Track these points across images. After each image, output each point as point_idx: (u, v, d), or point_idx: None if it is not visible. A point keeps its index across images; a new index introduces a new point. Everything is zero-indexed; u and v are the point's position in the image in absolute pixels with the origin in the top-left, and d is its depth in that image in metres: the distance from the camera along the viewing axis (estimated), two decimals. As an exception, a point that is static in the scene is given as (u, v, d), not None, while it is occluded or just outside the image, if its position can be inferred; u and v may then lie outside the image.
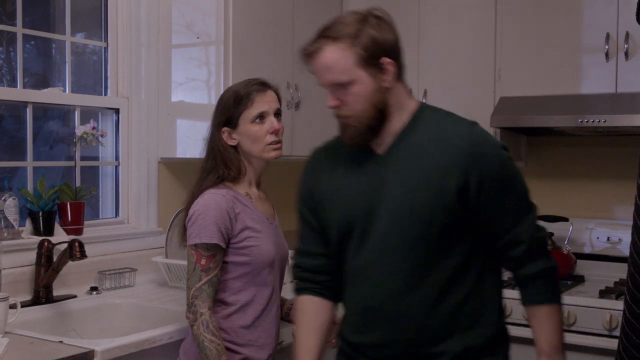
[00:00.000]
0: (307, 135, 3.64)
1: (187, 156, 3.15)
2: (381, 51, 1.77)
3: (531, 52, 3.42)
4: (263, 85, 2.25)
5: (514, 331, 3.04)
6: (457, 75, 3.60)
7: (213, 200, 2.12)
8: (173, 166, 3.29)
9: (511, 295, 3.09)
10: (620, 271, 3.40)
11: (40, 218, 2.73)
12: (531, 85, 3.40)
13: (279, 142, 2.27)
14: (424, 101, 3.67)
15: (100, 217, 3.20)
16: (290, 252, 2.23)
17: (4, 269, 2.50)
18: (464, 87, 3.58)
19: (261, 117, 2.22)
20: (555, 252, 3.40)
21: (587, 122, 3.13)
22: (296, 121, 3.55)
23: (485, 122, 3.41)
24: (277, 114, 2.26)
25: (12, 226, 2.65)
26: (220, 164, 2.20)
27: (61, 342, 2.09)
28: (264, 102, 2.22)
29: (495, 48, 3.50)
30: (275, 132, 2.25)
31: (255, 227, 2.19)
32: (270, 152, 2.25)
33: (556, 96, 3.33)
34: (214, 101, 3.14)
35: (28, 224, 2.75)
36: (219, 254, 2.10)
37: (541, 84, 3.38)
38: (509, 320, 3.05)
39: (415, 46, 3.70)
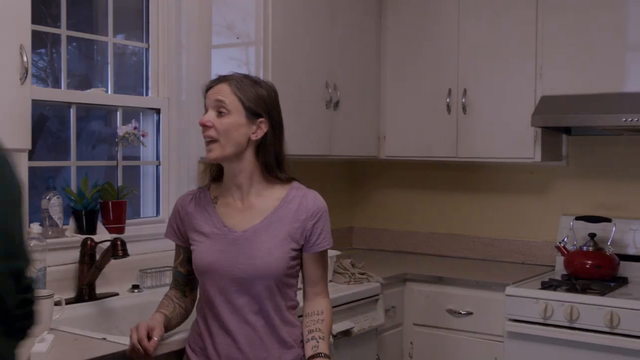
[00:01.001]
0: (345, 134, 3.64)
1: (227, 156, 3.17)
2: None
3: (573, 50, 3.37)
4: (215, 80, 2.06)
5: (555, 333, 3.03)
6: (497, 74, 3.57)
7: (179, 198, 2.24)
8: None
9: (552, 297, 3.07)
10: (664, 273, 3.34)
11: (84, 217, 2.78)
12: (573, 84, 3.36)
13: (210, 140, 2.02)
14: (463, 100, 3.64)
15: (141, 216, 3.24)
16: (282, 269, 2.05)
17: (49, 266, 2.54)
18: (505, 86, 3.55)
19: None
20: (598, 254, 3.35)
21: (631, 120, 3.07)
22: (335, 121, 3.55)
23: (526, 121, 3.39)
24: (220, 109, 2.01)
25: (57, 225, 2.69)
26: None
27: (104, 339, 2.12)
28: (208, 98, 2.05)
29: (537, 46, 3.45)
30: (203, 128, 2.03)
31: (203, 231, 2.10)
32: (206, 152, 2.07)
33: (599, 94, 3.27)
34: (254, 101, 3.17)
35: (72, 222, 2.80)
36: (178, 248, 2.22)
37: (583, 82, 3.33)
38: (549, 321, 3.03)
39: (454, 44, 3.68)
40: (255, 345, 2.05)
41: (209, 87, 2.06)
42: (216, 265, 2.05)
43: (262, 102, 2.04)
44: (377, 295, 3.15)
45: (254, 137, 2.03)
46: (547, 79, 3.43)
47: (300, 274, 2.17)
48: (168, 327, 2.12)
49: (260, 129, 2.04)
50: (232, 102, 2.01)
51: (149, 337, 2.00)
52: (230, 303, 2.05)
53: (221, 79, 2.06)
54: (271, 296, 2.06)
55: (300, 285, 2.18)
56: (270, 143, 2.06)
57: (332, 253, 3.17)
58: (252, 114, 2.02)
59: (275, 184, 2.11)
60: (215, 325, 2.07)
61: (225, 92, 2.02)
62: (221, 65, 3.21)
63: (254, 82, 2.07)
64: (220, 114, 2.01)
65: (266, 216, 2.08)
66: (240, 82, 2.04)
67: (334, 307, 2.83)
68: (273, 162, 2.08)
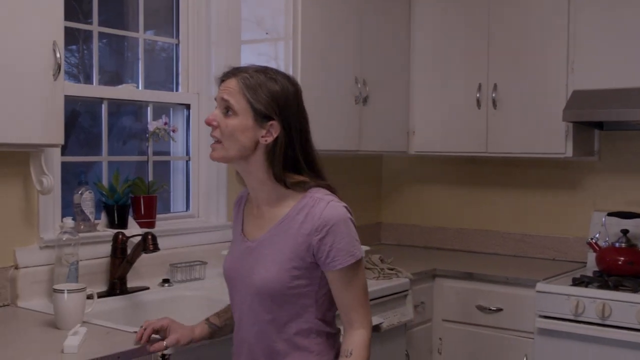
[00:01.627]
0: (375, 130, 3.64)
1: (256, 151, 3.18)
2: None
3: (605, 43, 3.32)
4: (227, 73, 1.86)
5: (586, 330, 3.00)
6: (528, 68, 3.54)
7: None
8: (242, 161, 3.32)
9: (583, 294, 3.04)
10: (699, 270, 3.29)
11: (115, 211, 2.81)
12: (605, 78, 3.31)
13: (215, 140, 1.84)
14: (493, 95, 3.61)
15: (171, 211, 3.26)
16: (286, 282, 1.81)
17: (81, 260, 2.57)
18: (535, 81, 3.51)
19: None
20: (630, 250, 3.31)
21: (665, 115, 3.03)
22: (364, 116, 3.55)
23: (557, 116, 3.35)
24: (226, 107, 1.82)
25: (89, 219, 2.72)
26: None
27: (136, 332, 2.14)
28: (217, 93, 1.87)
29: (568, 39, 3.41)
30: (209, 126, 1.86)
31: (234, 235, 2.01)
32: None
33: (631, 89, 3.22)
34: (283, 96, 3.17)
35: (103, 217, 2.83)
36: None
37: (616, 76, 3.29)
38: (581, 318, 3.01)
39: (485, 39, 3.65)
40: None
41: (221, 80, 1.85)
42: (230, 272, 1.95)
43: (274, 103, 1.79)
44: (406, 290, 3.14)
45: (263, 141, 1.79)
46: (578, 73, 3.39)
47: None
48: (216, 333, 2.07)
49: (271, 133, 1.79)
50: (238, 102, 1.79)
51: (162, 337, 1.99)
52: (239, 316, 1.92)
53: (232, 73, 1.83)
54: (273, 317, 1.84)
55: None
56: (281, 147, 1.80)
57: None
58: (262, 117, 1.78)
59: (291, 190, 1.84)
60: (235, 337, 1.97)
61: (232, 91, 1.80)
62: (250, 61, 3.20)
63: (270, 78, 1.81)
64: (226, 113, 1.81)
65: (270, 228, 1.86)
66: (251, 78, 1.79)
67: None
68: (280, 167, 1.81)
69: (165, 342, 1.98)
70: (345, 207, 1.82)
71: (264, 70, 1.84)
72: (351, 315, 1.83)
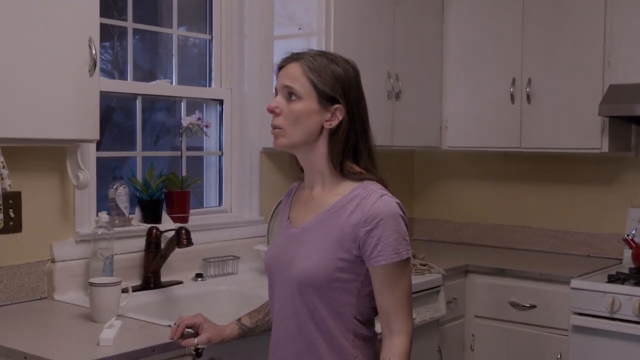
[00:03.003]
0: (407, 125, 3.62)
1: (289, 146, 3.18)
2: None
3: (643, 37, 3.27)
4: (287, 59, 1.81)
5: (622, 328, 2.96)
6: (563, 62, 3.49)
7: None
8: (275, 156, 3.34)
9: (620, 291, 3.00)
10: None
11: (149, 206, 2.83)
12: (643, 72, 3.26)
13: (274, 126, 1.79)
14: (527, 90, 3.57)
15: (205, 206, 3.29)
16: (321, 272, 1.74)
17: (116, 254, 2.60)
18: (571, 75, 3.47)
19: None
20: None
21: None
22: (396, 111, 3.53)
23: (593, 111, 3.30)
24: (289, 92, 1.77)
25: (123, 214, 2.75)
26: None
27: (169, 326, 2.15)
28: (278, 81, 1.82)
29: (605, 33, 3.36)
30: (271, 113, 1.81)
31: (280, 227, 1.96)
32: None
33: (670, 83, 3.17)
34: (315, 92, 3.17)
35: (137, 211, 2.86)
36: None
37: (654, 70, 3.24)
38: (617, 315, 2.96)
39: (519, 33, 3.61)
40: None
41: (280, 67, 1.80)
42: (270, 261, 1.88)
43: (338, 85, 1.75)
44: (439, 286, 3.13)
45: (327, 126, 1.75)
46: (615, 67, 3.33)
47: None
48: (246, 335, 2.03)
49: (336, 116, 1.75)
50: (302, 86, 1.74)
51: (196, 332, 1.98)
52: (280, 308, 1.85)
53: (293, 57, 1.78)
54: (311, 310, 1.76)
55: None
56: (344, 132, 1.76)
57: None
58: (327, 99, 1.74)
59: (347, 179, 1.79)
60: (274, 328, 1.90)
61: (295, 74, 1.75)
62: (282, 57, 3.22)
63: (331, 60, 1.77)
64: (290, 98, 1.76)
65: (318, 215, 1.80)
66: (314, 60, 1.75)
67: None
68: (339, 154, 1.76)
69: (196, 340, 1.96)
70: (398, 203, 1.76)
71: (324, 54, 1.80)
72: (391, 319, 1.74)
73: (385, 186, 1.81)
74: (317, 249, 1.76)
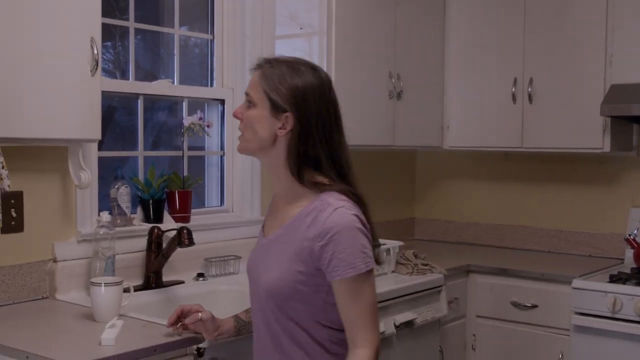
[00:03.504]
0: (409, 125, 3.62)
1: (290, 146, 3.18)
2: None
3: (645, 37, 3.27)
4: (255, 66, 1.85)
5: (624, 328, 2.96)
6: (565, 62, 3.49)
7: None
8: (276, 156, 3.33)
9: (621, 291, 3.00)
10: None
11: (151, 206, 2.83)
12: (645, 72, 3.26)
13: (241, 133, 1.85)
14: (529, 90, 3.57)
15: (206, 205, 3.29)
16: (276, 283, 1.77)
17: (118, 254, 2.60)
18: (572, 75, 3.47)
19: None
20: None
21: None
22: (398, 111, 3.53)
23: (595, 111, 3.30)
24: (248, 99, 1.82)
25: (125, 213, 2.75)
26: None
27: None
28: None
29: (607, 32, 3.36)
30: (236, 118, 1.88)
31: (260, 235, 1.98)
32: None
33: (672, 83, 3.17)
34: (317, 91, 3.17)
35: (139, 211, 2.86)
36: None
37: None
38: (618, 315, 2.96)
39: (521, 32, 3.61)
40: None
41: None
42: (248, 267, 1.93)
43: (290, 94, 1.74)
44: (440, 286, 3.13)
45: (280, 134, 1.76)
46: (617, 66, 3.33)
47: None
48: (243, 327, 2.06)
49: (287, 124, 1.76)
50: (257, 94, 1.78)
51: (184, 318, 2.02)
52: (254, 314, 1.90)
53: (259, 65, 1.82)
54: (280, 320, 1.79)
55: None
56: (295, 141, 1.75)
57: (394, 244, 3.16)
58: (277, 108, 1.76)
59: (308, 189, 1.78)
60: (254, 335, 1.94)
61: (253, 82, 1.80)
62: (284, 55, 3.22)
63: (292, 69, 1.78)
64: (248, 105, 1.81)
65: (282, 226, 1.82)
66: (272, 69, 1.78)
67: (396, 298, 2.85)
68: (295, 163, 1.76)
69: (200, 314, 1.99)
70: (356, 215, 1.72)
71: (289, 61, 1.81)
72: (354, 332, 1.72)
73: (352, 196, 1.77)
74: (278, 262, 1.78)
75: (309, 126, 1.76)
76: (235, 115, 1.85)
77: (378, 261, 1.80)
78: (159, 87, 3.03)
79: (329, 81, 1.83)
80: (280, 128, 1.76)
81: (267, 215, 1.96)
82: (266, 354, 1.85)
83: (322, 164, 1.78)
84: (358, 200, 1.78)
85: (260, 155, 1.84)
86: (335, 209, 1.71)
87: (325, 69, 3.08)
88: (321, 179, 1.78)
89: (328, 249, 1.69)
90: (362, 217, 1.75)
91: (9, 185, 2.07)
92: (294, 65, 1.79)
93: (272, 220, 1.90)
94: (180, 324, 2.03)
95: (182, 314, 2.03)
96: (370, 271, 1.73)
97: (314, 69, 1.82)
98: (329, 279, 1.72)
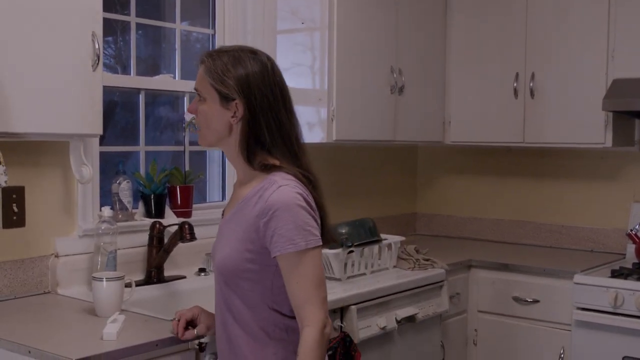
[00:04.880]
0: (411, 120, 3.62)
1: (292, 141, 3.18)
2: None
3: (647, 32, 3.26)
4: (199, 62, 1.89)
5: (625, 323, 2.96)
6: (566, 56, 3.48)
7: None
8: (277, 151, 3.33)
9: (623, 286, 3.00)
10: None
11: (152, 201, 2.83)
12: (647, 66, 3.25)
13: (199, 128, 1.91)
14: (531, 85, 3.57)
15: (207, 200, 3.29)
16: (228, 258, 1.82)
17: (119, 249, 2.61)
18: (574, 69, 3.46)
19: None
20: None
21: None
22: (399, 106, 3.53)
23: (596, 106, 3.30)
24: (198, 94, 1.87)
25: (126, 208, 2.75)
26: None
27: (173, 319, 2.15)
28: None
29: (609, 26, 3.35)
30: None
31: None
32: None
33: (674, 77, 3.16)
34: (319, 86, 3.17)
35: (140, 206, 2.86)
36: None
37: (658, 65, 3.23)
38: (620, 310, 2.96)
39: (522, 27, 3.60)
40: (221, 351, 1.92)
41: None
42: (213, 255, 1.96)
43: (236, 83, 1.79)
44: (442, 281, 3.13)
45: (233, 122, 1.81)
46: (619, 61, 3.32)
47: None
48: None
49: (238, 112, 1.81)
50: (205, 87, 1.84)
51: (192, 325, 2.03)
52: (215, 297, 1.93)
53: (201, 61, 1.87)
54: (227, 301, 1.84)
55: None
56: (245, 126, 1.80)
57: (396, 239, 3.16)
58: (225, 98, 1.81)
59: (259, 171, 1.84)
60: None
61: (200, 77, 1.85)
62: (286, 51, 3.22)
63: (234, 59, 1.82)
64: (199, 100, 1.86)
65: (234, 207, 1.88)
66: (213, 62, 1.83)
67: (397, 293, 2.85)
68: (245, 147, 1.81)
69: (195, 331, 2.01)
70: (300, 193, 1.76)
71: (229, 51, 1.85)
72: (300, 311, 1.75)
73: (301, 177, 1.81)
74: (229, 241, 1.83)
75: (257, 110, 1.81)
76: (190, 112, 1.91)
77: (332, 240, 1.87)
78: (161, 82, 3.02)
79: (272, 64, 1.87)
80: (232, 117, 1.82)
81: (227, 203, 2.01)
82: (220, 337, 1.90)
83: (273, 145, 1.83)
84: (307, 180, 1.83)
85: (221, 145, 1.89)
86: (280, 187, 1.76)
87: (326, 64, 3.12)
88: (272, 161, 1.83)
89: (270, 225, 1.74)
90: (307, 196, 1.79)
91: (5, 182, 2.07)
92: (234, 54, 1.84)
93: (229, 205, 1.96)
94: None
95: (185, 323, 2.03)
96: (314, 249, 1.75)
97: (254, 53, 1.86)
98: (272, 255, 1.76)
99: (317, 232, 1.77)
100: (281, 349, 1.83)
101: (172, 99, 3.17)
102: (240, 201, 1.85)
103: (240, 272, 1.80)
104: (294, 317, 1.81)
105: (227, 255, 1.82)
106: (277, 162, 1.83)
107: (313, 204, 1.80)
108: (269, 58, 1.88)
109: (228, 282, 1.83)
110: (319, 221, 1.80)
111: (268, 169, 1.82)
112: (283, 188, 1.75)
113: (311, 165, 1.88)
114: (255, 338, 1.82)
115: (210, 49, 3.24)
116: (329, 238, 1.83)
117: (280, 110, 1.84)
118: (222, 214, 1.99)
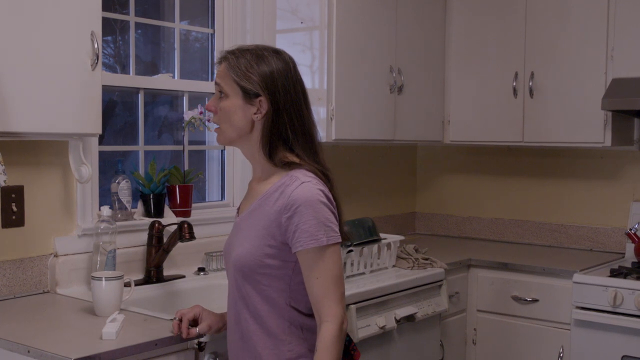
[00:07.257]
0: (410, 119, 3.62)
1: (291, 140, 3.18)
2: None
3: (646, 31, 3.26)
4: (219, 59, 1.91)
5: (624, 322, 2.96)
6: (566, 56, 3.48)
7: None
8: (277, 150, 3.33)
9: (622, 285, 3.00)
10: None
11: (151, 200, 2.83)
12: (646, 66, 3.25)
13: (218, 125, 1.91)
14: (530, 84, 3.57)
15: (207, 200, 3.29)
16: (247, 257, 1.83)
17: (118, 248, 2.61)
18: (573, 69, 3.46)
19: None
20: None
21: None
22: (399, 105, 3.53)
23: (596, 105, 3.30)
24: (219, 91, 1.88)
25: (125, 208, 2.75)
26: None
27: (173, 319, 2.15)
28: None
29: (608, 26, 3.35)
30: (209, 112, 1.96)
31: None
32: None
33: (673, 77, 3.16)
34: (318, 86, 3.18)
35: (140, 206, 2.86)
36: None
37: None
38: (619, 309, 2.97)
39: (522, 26, 3.60)
40: (232, 348, 1.93)
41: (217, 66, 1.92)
42: (224, 251, 1.99)
43: (260, 79, 1.81)
44: (441, 280, 3.13)
45: (255, 118, 1.83)
46: (618, 60, 3.33)
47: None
48: None
49: (262, 108, 1.82)
50: (227, 84, 1.84)
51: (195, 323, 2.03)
52: (228, 295, 1.95)
53: (222, 58, 1.88)
54: (244, 297, 1.85)
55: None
56: (269, 122, 1.82)
57: (395, 238, 3.16)
58: (249, 94, 1.82)
59: (279, 168, 1.85)
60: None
61: (222, 73, 1.86)
62: (286, 50, 3.21)
63: (257, 56, 1.84)
64: (220, 96, 1.87)
65: (253, 202, 1.88)
66: (237, 59, 1.84)
67: (397, 292, 2.85)
68: (267, 143, 1.83)
69: (197, 329, 2.01)
70: (322, 190, 1.79)
71: (251, 49, 1.87)
72: (319, 306, 1.77)
73: (320, 174, 1.84)
74: (248, 237, 1.84)
75: (281, 107, 1.83)
76: (208, 109, 1.91)
77: (345, 238, 1.87)
78: (160, 82, 3.02)
79: (293, 62, 1.90)
80: (255, 113, 1.83)
81: (243, 199, 2.01)
82: (233, 334, 1.91)
83: (295, 142, 1.85)
84: (326, 178, 1.86)
85: (240, 143, 1.90)
86: (302, 183, 1.78)
87: (325, 64, 3.12)
88: (293, 158, 1.85)
89: (293, 220, 1.76)
90: (328, 192, 1.82)
91: (5, 181, 2.07)
92: (257, 52, 1.86)
93: (246, 200, 1.97)
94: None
95: (188, 323, 2.03)
96: (334, 245, 1.78)
97: (277, 52, 1.88)
98: (293, 251, 1.77)
99: (337, 229, 1.80)
100: (295, 347, 1.84)
101: (172, 98, 3.17)
102: (259, 197, 1.86)
103: (260, 267, 1.82)
104: (310, 316, 1.84)
105: (247, 251, 1.83)
106: (296, 159, 1.85)
107: (333, 200, 1.83)
108: (291, 58, 1.90)
109: (246, 277, 1.84)
110: (337, 218, 1.82)
111: (288, 165, 1.84)
112: (306, 184, 1.78)
113: (326, 163, 1.90)
114: (270, 334, 1.84)
115: (210, 48, 3.25)
116: (342, 235, 1.85)
117: (302, 107, 1.87)
118: (237, 211, 2.00)
